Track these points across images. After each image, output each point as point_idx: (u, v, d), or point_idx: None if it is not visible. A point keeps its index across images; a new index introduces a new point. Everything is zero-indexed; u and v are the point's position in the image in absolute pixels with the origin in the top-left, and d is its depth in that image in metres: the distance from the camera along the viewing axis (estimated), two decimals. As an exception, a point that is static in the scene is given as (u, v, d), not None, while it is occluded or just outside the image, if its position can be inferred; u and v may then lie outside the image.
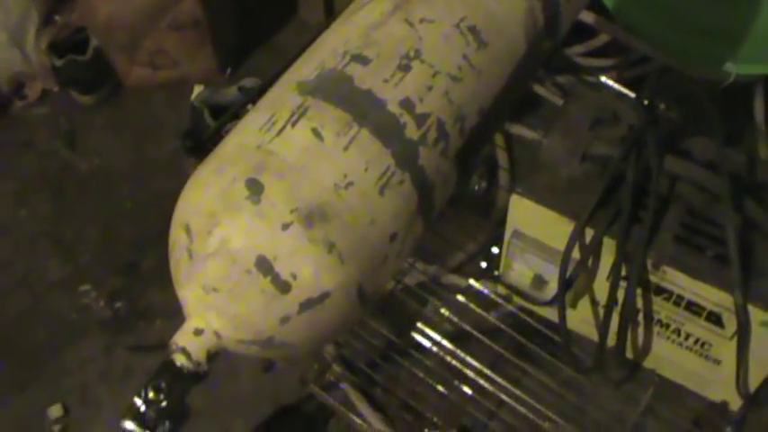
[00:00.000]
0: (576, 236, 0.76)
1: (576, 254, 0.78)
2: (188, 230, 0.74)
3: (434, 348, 1.07)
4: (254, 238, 0.72)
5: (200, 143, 1.30)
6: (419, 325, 1.09)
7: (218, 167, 0.76)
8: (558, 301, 0.81)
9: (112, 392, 1.45)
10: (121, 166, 1.73)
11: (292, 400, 1.40)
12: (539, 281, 0.86)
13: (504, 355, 1.06)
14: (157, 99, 1.81)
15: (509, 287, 0.90)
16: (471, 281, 0.95)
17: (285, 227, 0.71)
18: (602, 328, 0.79)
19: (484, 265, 1.01)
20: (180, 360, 0.73)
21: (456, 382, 1.19)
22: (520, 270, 0.87)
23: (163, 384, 0.72)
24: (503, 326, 1.00)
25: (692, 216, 0.78)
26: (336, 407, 1.27)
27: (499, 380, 1.04)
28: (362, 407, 1.35)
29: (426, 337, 1.08)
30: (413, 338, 1.16)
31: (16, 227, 1.65)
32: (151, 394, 0.72)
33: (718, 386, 0.85)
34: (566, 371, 0.97)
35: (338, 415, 1.32)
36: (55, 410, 1.41)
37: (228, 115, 1.37)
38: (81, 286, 1.57)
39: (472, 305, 1.01)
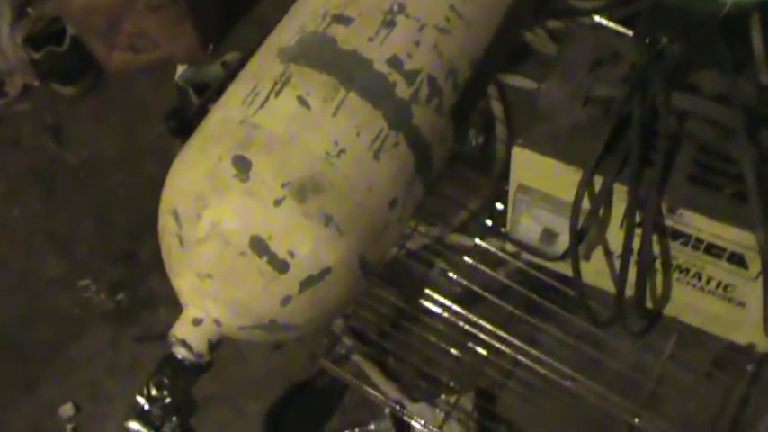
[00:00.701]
0: (585, 185, 0.72)
1: (586, 204, 0.74)
2: (176, 216, 0.70)
3: (445, 314, 1.04)
4: (246, 217, 0.68)
5: (185, 123, 1.26)
6: (427, 291, 1.06)
7: (203, 147, 0.72)
8: (571, 254, 0.77)
9: (122, 386, 1.42)
10: (111, 154, 1.69)
11: (304, 376, 1.37)
12: (548, 235, 0.82)
13: (516, 314, 1.04)
14: (141, 83, 1.76)
15: (518, 244, 0.86)
16: (477, 240, 0.92)
17: (277, 203, 0.67)
18: (620, 278, 0.76)
19: (489, 222, 0.97)
20: (180, 352, 0.69)
21: (470, 344, 1.16)
22: (528, 225, 0.83)
23: (165, 380, 0.69)
24: (512, 284, 0.96)
25: (706, 153, 0.74)
26: (350, 380, 1.24)
27: (513, 340, 1.01)
28: (376, 377, 1.32)
29: (436, 303, 1.05)
30: (422, 304, 1.13)
31: (10, 226, 1.61)
32: (154, 391, 0.69)
33: (744, 329, 0.81)
34: (580, 323, 0.94)
35: (352, 388, 1.29)
36: (67, 409, 1.39)
37: (211, 93, 1.32)
38: (80, 280, 1.53)
39: (480, 265, 0.97)
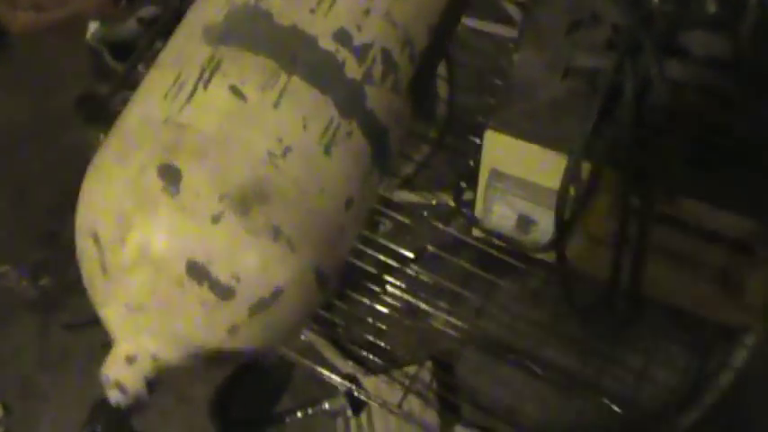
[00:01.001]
0: (572, 174, 0.62)
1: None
2: (96, 239, 0.59)
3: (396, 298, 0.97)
4: (180, 239, 0.57)
5: (100, 107, 1.11)
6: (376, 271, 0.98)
7: (121, 154, 0.60)
8: (558, 248, 0.68)
9: (54, 380, 1.31)
10: (23, 124, 1.55)
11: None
12: (525, 222, 0.73)
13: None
14: (50, 44, 1.61)
15: (489, 232, 0.76)
16: (439, 224, 0.83)
17: (216, 219, 0.57)
18: (614, 272, 0.67)
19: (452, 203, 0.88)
20: (115, 396, 0.59)
21: (424, 307, 1.08)
22: (501, 212, 0.74)
23: (98, 429, 0.58)
24: (475, 269, 0.89)
25: (706, 130, 0.65)
26: (297, 358, 1.16)
27: (464, 325, 0.94)
28: (328, 352, 1.24)
29: (384, 285, 0.97)
30: (369, 270, 1.06)
31: None
32: (85, 445, 0.58)
33: (740, 313, 0.74)
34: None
35: (300, 365, 1.21)
36: (-6, 411, 1.28)
37: (133, 60, 1.18)
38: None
39: (442, 252, 0.90)
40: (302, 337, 1.24)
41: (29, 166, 1.51)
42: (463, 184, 0.80)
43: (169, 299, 0.57)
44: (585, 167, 0.65)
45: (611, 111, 0.64)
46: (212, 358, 0.61)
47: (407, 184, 1.29)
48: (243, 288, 0.58)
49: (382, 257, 1.05)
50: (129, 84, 1.01)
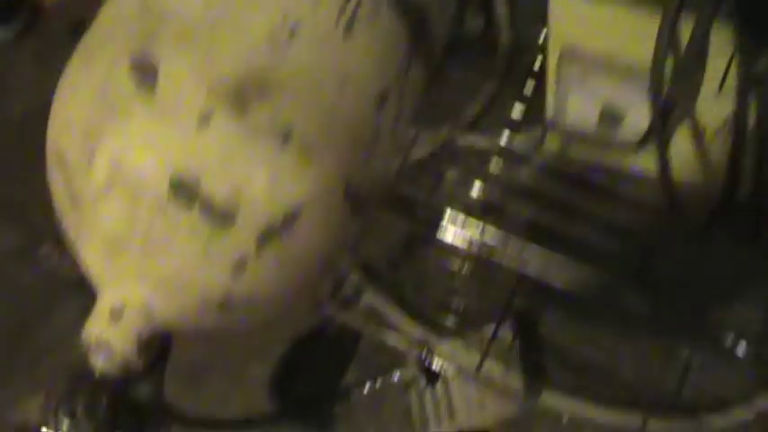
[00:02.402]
0: (668, 29, 0.47)
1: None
2: (63, 162, 0.47)
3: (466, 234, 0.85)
4: (159, 150, 0.44)
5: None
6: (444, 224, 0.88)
7: (88, 53, 0.47)
8: (656, 138, 0.53)
9: (104, 365, 1.22)
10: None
11: (310, 327, 1.17)
12: (610, 118, 0.58)
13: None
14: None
15: (567, 134, 0.62)
16: (505, 138, 0.68)
17: (204, 121, 0.44)
18: (732, 170, 0.52)
19: (519, 109, 0.72)
20: (99, 361, 0.47)
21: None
22: (578, 108, 0.59)
23: (80, 407, 0.46)
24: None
25: None
26: (362, 325, 1.07)
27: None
28: (394, 316, 1.13)
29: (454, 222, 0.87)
30: (436, 222, 0.95)
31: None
32: (64, 427, 0.46)
33: None
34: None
35: (364, 333, 1.10)
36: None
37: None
38: (40, 248, 1.33)
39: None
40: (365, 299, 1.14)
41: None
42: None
43: (153, 230, 0.44)
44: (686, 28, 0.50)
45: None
46: (222, 309, 0.48)
47: (473, 126, 1.18)
48: (245, 210, 0.44)
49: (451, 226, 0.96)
50: None
